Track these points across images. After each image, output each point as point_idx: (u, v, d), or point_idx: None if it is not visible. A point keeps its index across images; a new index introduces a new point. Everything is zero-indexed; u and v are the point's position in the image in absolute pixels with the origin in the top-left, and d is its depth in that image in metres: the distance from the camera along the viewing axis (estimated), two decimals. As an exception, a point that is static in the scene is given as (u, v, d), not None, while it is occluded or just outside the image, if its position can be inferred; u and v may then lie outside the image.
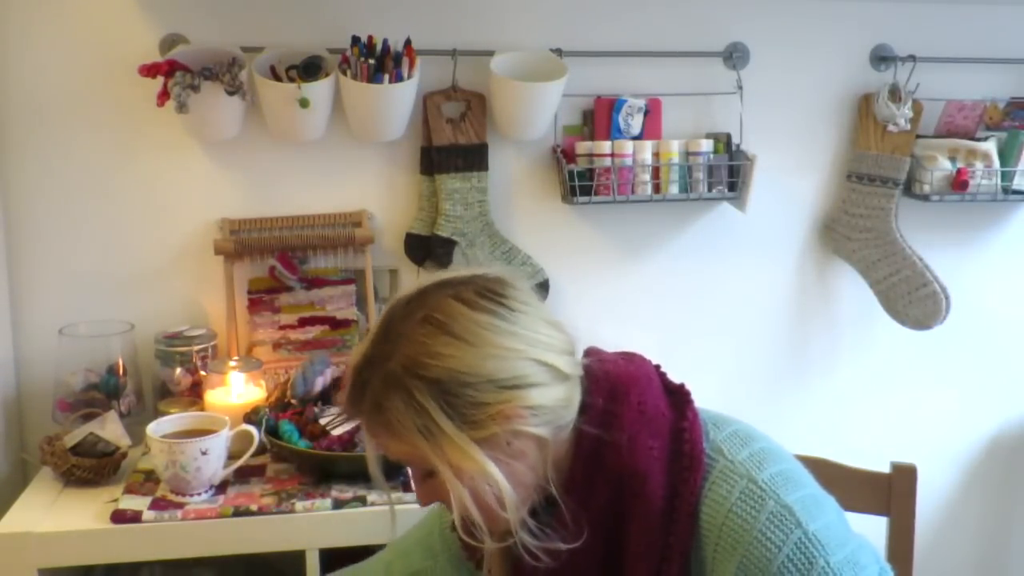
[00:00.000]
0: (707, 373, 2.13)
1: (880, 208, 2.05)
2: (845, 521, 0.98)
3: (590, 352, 1.05)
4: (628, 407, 0.98)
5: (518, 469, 0.95)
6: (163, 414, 1.66)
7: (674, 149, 1.93)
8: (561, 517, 0.96)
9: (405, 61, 1.76)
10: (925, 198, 2.03)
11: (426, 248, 1.93)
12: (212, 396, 1.72)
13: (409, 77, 1.76)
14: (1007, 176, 2.04)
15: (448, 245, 1.91)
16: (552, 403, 0.95)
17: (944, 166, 2.03)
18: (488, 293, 0.96)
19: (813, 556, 0.89)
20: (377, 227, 1.93)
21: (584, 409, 0.98)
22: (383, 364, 0.93)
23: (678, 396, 1.03)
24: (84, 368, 1.73)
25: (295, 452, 1.57)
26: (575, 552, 0.95)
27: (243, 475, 1.58)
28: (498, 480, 0.92)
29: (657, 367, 1.07)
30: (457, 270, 1.01)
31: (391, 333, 0.95)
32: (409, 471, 1.00)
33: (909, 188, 2.07)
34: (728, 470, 0.96)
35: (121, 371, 1.74)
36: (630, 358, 1.06)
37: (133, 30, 1.78)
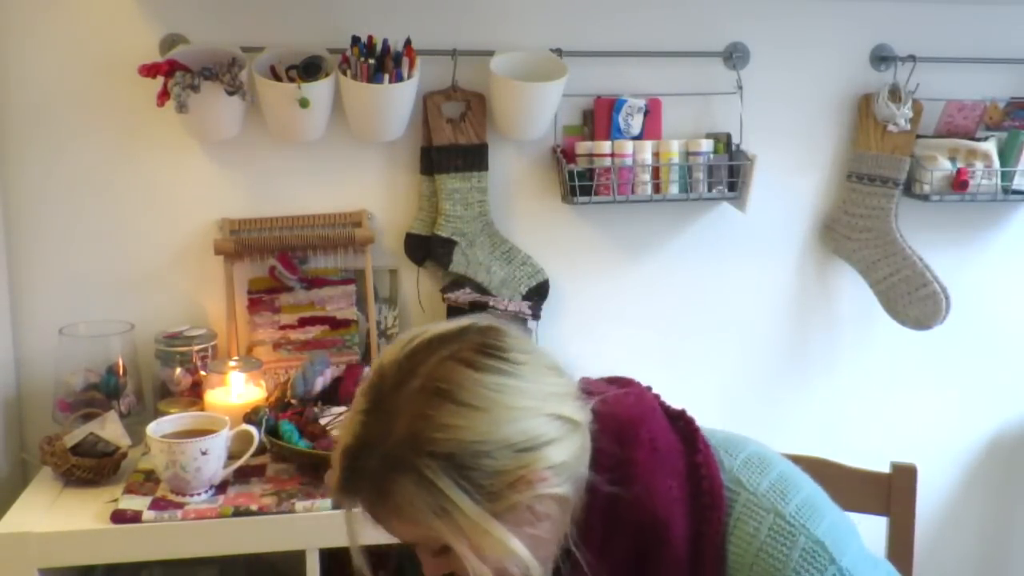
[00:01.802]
0: (707, 373, 2.13)
1: (880, 208, 2.05)
2: (861, 540, 0.96)
3: (583, 386, 0.96)
4: (640, 448, 0.92)
5: (541, 534, 0.88)
6: (163, 414, 1.66)
7: (674, 149, 1.93)
8: (582, 570, 0.90)
9: (405, 61, 1.76)
10: (925, 198, 2.03)
11: (426, 248, 1.93)
12: (212, 396, 1.72)
13: (409, 77, 1.76)
14: (1007, 176, 2.04)
15: (448, 245, 1.91)
16: (571, 457, 0.88)
17: (944, 166, 2.02)
18: (489, 349, 0.88)
19: None
20: (377, 227, 1.93)
21: (595, 457, 0.91)
22: (382, 444, 0.84)
23: (683, 424, 0.98)
24: (84, 368, 1.73)
25: (295, 452, 1.57)
26: None
27: (243, 475, 1.58)
28: (522, 556, 0.85)
29: (651, 391, 1.02)
30: (443, 324, 0.91)
31: (385, 407, 0.85)
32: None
33: (909, 188, 2.07)
34: (752, 504, 0.92)
35: (121, 371, 1.74)
36: (627, 388, 1.00)
37: (133, 30, 1.78)
